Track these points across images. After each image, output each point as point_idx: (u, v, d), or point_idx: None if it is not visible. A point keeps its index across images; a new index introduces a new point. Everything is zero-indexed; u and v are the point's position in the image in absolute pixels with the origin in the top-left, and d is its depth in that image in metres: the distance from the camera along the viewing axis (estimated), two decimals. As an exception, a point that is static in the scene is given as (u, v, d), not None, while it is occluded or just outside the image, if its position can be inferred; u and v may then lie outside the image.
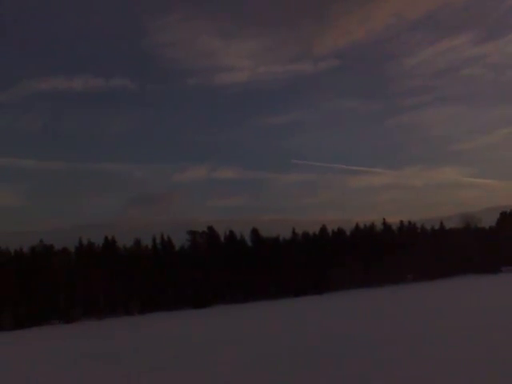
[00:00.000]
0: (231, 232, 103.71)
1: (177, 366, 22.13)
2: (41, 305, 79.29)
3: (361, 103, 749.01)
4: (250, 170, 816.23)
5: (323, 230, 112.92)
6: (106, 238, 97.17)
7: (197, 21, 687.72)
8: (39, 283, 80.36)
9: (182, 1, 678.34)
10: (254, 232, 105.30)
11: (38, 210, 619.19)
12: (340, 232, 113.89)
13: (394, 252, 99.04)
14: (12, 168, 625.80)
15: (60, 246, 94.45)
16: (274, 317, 52.32)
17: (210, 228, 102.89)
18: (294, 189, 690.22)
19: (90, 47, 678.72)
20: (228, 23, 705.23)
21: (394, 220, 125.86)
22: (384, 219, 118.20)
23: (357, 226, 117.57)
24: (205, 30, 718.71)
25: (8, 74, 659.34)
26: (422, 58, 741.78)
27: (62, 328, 71.26)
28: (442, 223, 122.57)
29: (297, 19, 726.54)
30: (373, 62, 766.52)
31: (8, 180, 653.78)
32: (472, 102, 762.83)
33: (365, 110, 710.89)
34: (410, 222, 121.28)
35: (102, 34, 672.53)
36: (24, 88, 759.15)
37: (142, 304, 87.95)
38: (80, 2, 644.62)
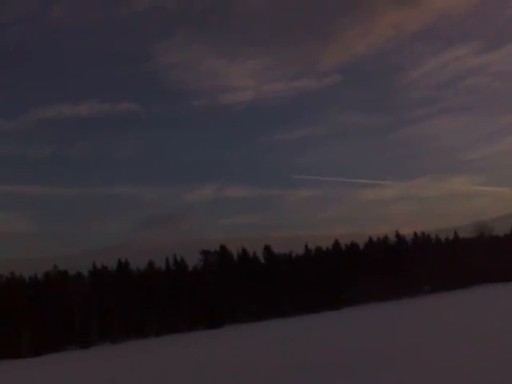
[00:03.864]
0: (244, 250, 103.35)
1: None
2: (57, 331, 79.15)
3: (366, 117, 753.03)
4: (259, 188, 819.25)
5: (336, 244, 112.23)
6: (119, 260, 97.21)
7: (199, 43, 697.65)
8: (54, 309, 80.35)
9: (184, 23, 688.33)
10: (267, 249, 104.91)
11: (51, 236, 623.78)
12: (353, 246, 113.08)
13: (409, 264, 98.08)
14: (22, 195, 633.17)
15: (74, 271, 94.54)
16: (294, 334, 51.70)
17: (223, 247, 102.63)
18: (305, 204, 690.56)
19: (95, 73, 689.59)
20: (230, 43, 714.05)
21: (406, 231, 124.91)
22: (397, 231, 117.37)
23: (370, 239, 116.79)
24: (207, 52, 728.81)
25: (15, 102, 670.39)
26: (425, 69, 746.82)
27: (80, 353, 70.93)
28: (455, 233, 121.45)
29: (298, 37, 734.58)
30: (376, 75, 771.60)
31: (19, 207, 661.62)
32: (478, 111, 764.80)
33: (371, 123, 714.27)
34: (423, 233, 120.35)
35: (106, 59, 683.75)
36: (31, 116, 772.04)
37: (158, 326, 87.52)
38: (83, 28, 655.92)
